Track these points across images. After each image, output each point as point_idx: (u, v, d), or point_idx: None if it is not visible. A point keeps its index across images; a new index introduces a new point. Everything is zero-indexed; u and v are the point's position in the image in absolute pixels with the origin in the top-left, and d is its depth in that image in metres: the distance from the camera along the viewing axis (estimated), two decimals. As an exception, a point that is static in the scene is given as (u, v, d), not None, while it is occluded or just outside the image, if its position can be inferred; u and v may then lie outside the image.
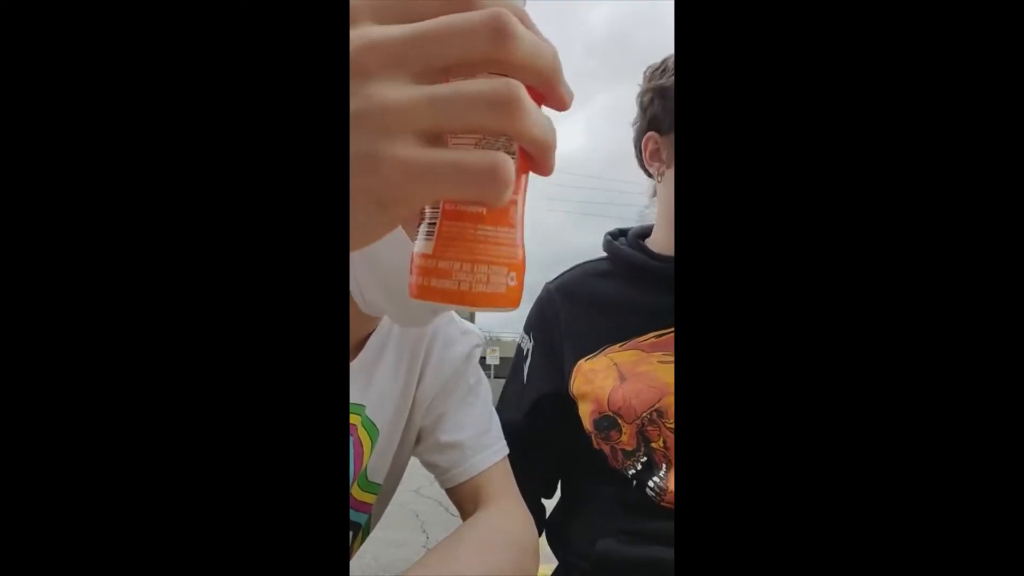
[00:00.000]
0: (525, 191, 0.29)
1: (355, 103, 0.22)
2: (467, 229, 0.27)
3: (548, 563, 0.78)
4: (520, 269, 0.27)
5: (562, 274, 0.90)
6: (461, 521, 0.59)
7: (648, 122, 0.82)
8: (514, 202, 0.27)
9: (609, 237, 0.89)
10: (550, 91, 0.25)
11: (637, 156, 0.87)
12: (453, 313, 0.68)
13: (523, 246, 0.28)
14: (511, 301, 0.27)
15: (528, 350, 0.86)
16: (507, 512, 0.60)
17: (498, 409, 0.83)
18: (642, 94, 0.84)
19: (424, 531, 3.15)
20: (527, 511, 0.62)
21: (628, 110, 0.91)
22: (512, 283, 0.26)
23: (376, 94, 0.22)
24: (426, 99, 0.21)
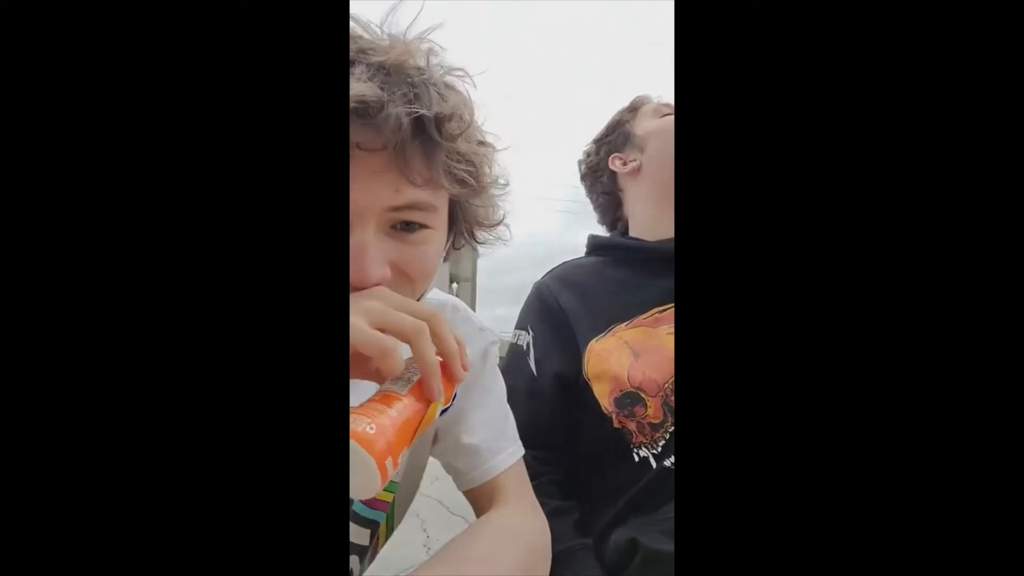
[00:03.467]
0: (422, 414, 0.42)
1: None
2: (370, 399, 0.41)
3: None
4: (380, 429, 0.38)
5: (550, 270, 0.93)
6: (463, 521, 0.59)
7: (606, 153, 0.96)
8: (400, 399, 0.41)
9: (593, 237, 0.95)
10: (449, 365, 0.43)
11: (597, 204, 1.01)
12: (469, 311, 0.68)
13: (392, 426, 0.39)
14: (361, 440, 0.36)
15: (528, 343, 0.85)
16: (518, 512, 0.59)
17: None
18: (588, 155, 1.00)
19: (424, 530, 3.14)
20: (540, 512, 0.61)
21: (613, 108, 1.03)
22: (370, 430, 0.37)
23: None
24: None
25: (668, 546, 0.65)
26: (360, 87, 0.42)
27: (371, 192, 0.44)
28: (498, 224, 0.57)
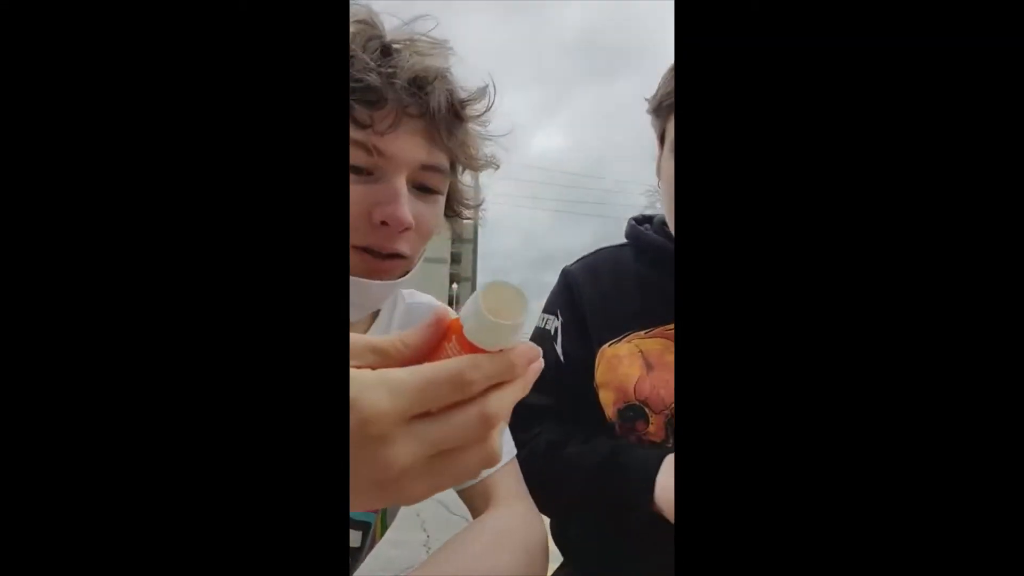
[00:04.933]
0: None
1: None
2: None
3: (557, 561, 0.78)
4: None
5: (583, 257, 0.87)
6: (463, 521, 0.60)
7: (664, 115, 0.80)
8: None
9: (633, 222, 0.86)
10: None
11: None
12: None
13: None
14: None
15: (556, 328, 0.81)
16: (516, 512, 0.59)
17: (527, 397, 0.78)
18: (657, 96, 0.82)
19: (424, 530, 3.14)
20: (536, 512, 0.62)
21: (610, 108, 0.92)
22: None
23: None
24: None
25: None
26: (425, 61, 0.53)
27: (411, 149, 0.53)
28: (477, 206, 0.67)
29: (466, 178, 0.64)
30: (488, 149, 0.62)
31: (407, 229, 0.53)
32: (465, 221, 0.67)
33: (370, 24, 0.55)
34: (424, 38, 0.56)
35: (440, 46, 0.56)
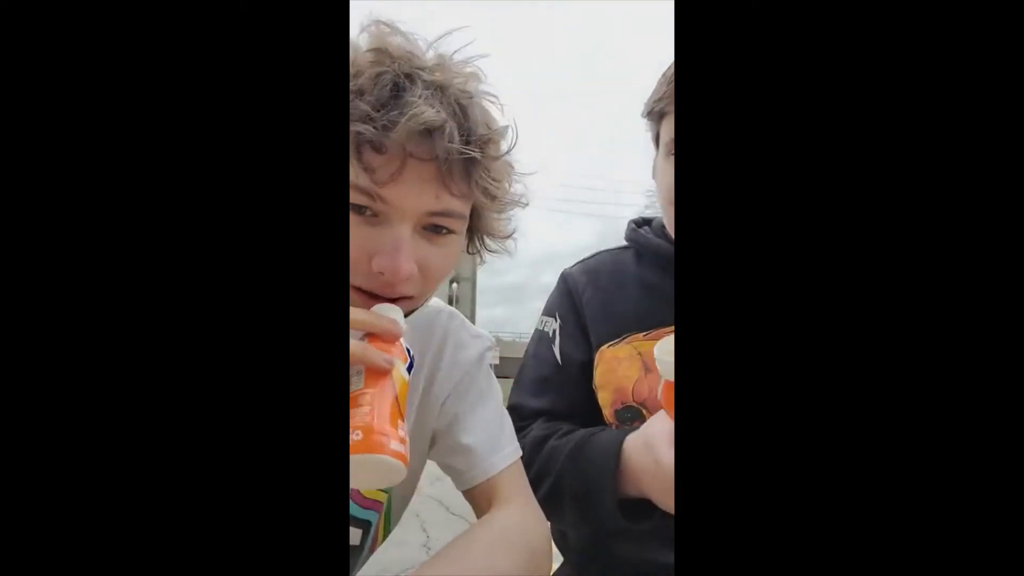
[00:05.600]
0: (392, 385, 0.44)
1: None
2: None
3: (559, 562, 0.78)
4: (366, 429, 0.39)
5: (583, 260, 0.88)
6: (463, 521, 0.60)
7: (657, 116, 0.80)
8: (364, 392, 0.42)
9: (633, 225, 0.86)
10: (377, 333, 0.47)
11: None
12: (463, 318, 0.70)
13: (376, 418, 0.40)
14: (359, 448, 0.38)
15: (555, 331, 0.82)
16: (519, 513, 0.59)
17: (524, 399, 0.80)
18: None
19: (424, 530, 3.14)
20: (540, 512, 0.62)
21: (609, 108, 0.89)
22: (357, 437, 0.39)
23: None
24: None
25: (668, 557, 0.65)
26: (429, 114, 0.47)
27: (416, 196, 0.50)
28: (508, 237, 0.62)
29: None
30: (517, 187, 0.57)
31: (407, 279, 0.50)
32: (491, 253, 0.63)
33: (383, 52, 0.50)
34: (450, 65, 0.52)
35: (461, 74, 0.52)
